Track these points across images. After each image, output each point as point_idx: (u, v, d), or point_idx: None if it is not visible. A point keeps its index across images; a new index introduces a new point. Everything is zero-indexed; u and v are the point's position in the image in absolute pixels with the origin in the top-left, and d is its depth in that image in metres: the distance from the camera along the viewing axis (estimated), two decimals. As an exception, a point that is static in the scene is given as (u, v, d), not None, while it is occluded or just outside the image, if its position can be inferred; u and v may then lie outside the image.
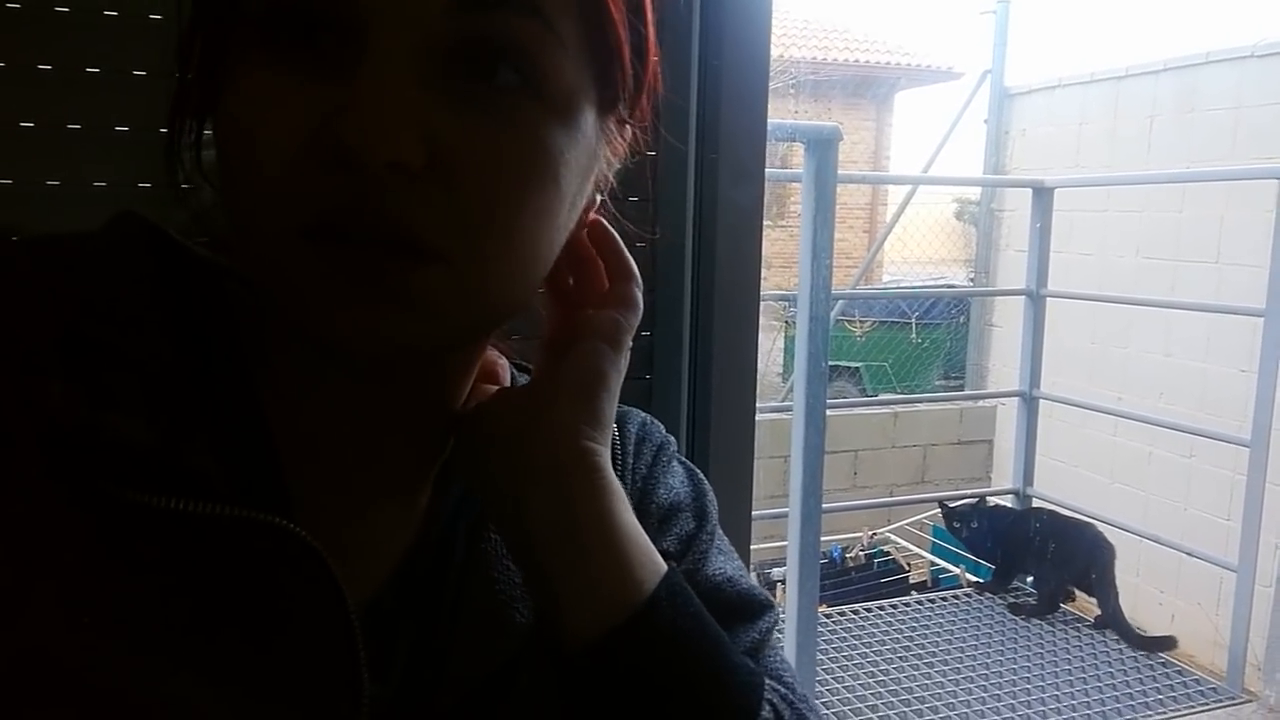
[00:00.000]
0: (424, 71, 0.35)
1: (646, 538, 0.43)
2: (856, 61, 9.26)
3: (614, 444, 0.51)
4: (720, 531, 0.55)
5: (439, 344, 0.40)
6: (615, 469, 0.49)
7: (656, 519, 0.53)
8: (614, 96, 0.42)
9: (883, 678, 2.77)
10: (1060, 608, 3.20)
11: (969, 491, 3.69)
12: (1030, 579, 3.33)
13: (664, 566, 0.42)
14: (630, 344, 0.46)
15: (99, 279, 0.40)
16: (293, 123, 0.35)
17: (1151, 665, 2.91)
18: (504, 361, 0.51)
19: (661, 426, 0.57)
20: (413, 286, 0.36)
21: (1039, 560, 3.25)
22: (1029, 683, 2.77)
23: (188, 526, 0.37)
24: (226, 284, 0.44)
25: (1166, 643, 3.04)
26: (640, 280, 0.48)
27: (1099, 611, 3.15)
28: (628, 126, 0.45)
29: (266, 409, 0.42)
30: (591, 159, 0.42)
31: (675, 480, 0.55)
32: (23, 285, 0.38)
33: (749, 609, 0.52)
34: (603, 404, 0.44)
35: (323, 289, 0.36)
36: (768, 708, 0.43)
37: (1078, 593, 3.24)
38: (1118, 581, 3.15)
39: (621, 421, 0.55)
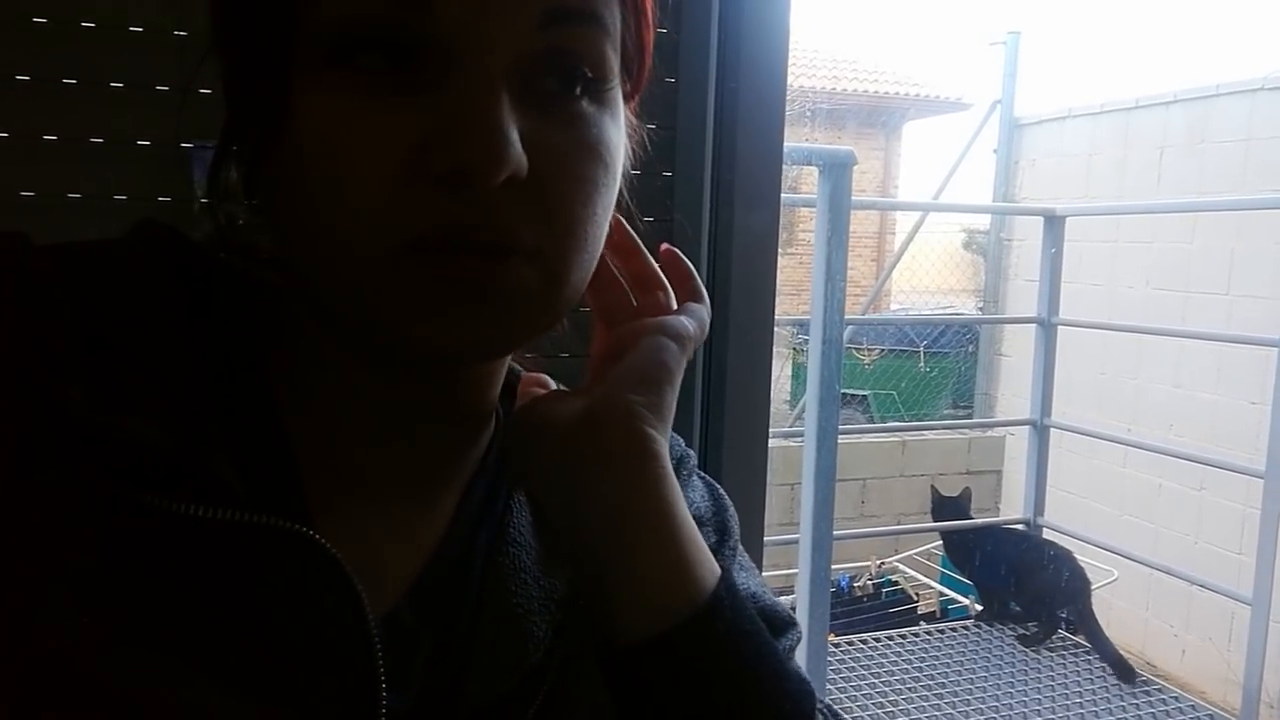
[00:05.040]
0: (513, 85, 0.37)
1: (700, 535, 0.43)
2: (866, 91, 9.32)
3: None
4: (741, 548, 0.54)
5: (526, 339, 0.42)
6: None
7: None
8: (634, 88, 0.45)
9: (892, 709, 2.74)
10: (1058, 633, 3.18)
11: (978, 523, 3.66)
12: (1018, 607, 3.32)
13: (718, 566, 0.42)
14: (691, 355, 0.46)
15: (120, 284, 0.40)
16: (388, 142, 0.36)
17: (1165, 700, 2.87)
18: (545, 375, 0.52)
19: (681, 440, 0.57)
20: (517, 288, 0.38)
21: (1021, 587, 3.24)
22: (1039, 716, 2.73)
23: (206, 532, 0.37)
24: (246, 292, 0.44)
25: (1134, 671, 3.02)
26: (709, 305, 0.50)
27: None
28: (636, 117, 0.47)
29: (285, 417, 0.42)
30: (624, 148, 0.44)
31: (696, 495, 0.54)
32: (45, 289, 0.38)
33: (773, 625, 0.51)
34: (666, 396, 0.44)
35: (431, 300, 0.37)
36: (819, 716, 0.43)
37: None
38: (1128, 613, 3.12)
39: None
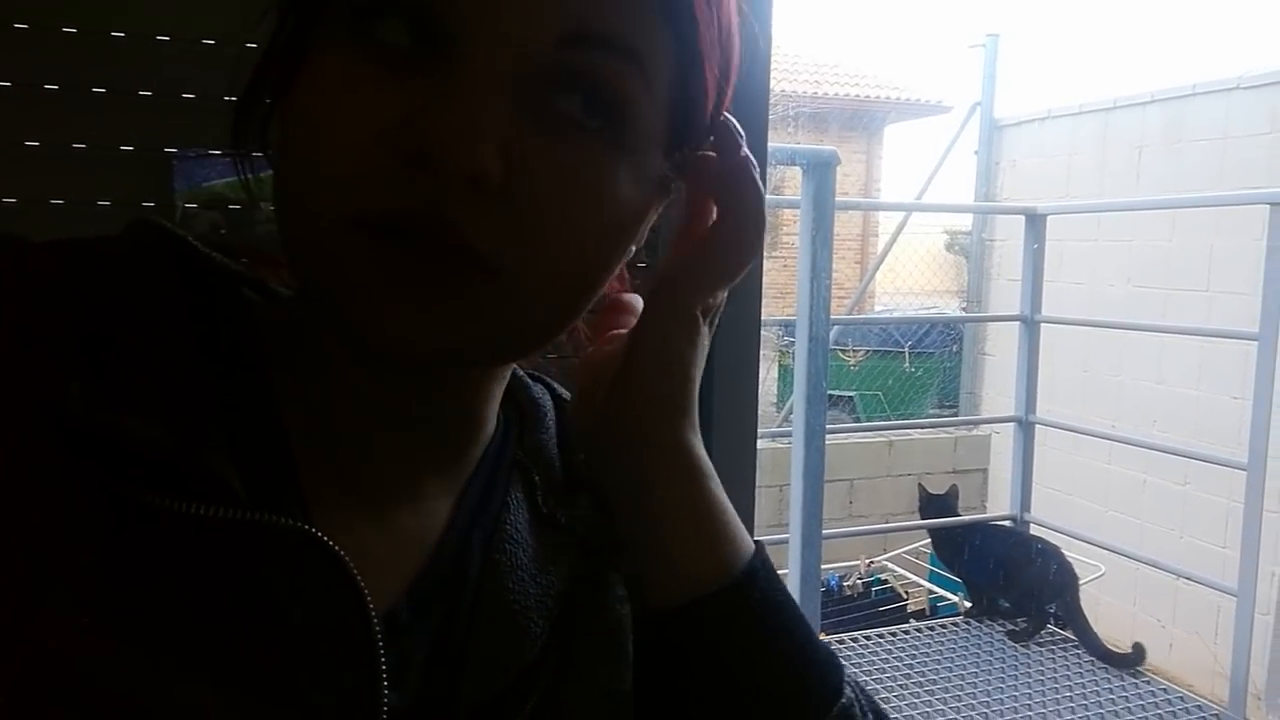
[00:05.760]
0: (516, 93, 0.36)
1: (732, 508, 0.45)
2: (847, 95, 9.37)
3: None
4: None
5: (477, 360, 0.41)
6: None
7: None
8: (682, 146, 0.43)
9: (883, 706, 2.74)
10: (1047, 628, 3.20)
11: (966, 520, 3.68)
12: (1006, 603, 3.34)
13: (751, 540, 0.44)
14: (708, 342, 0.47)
15: (118, 281, 0.40)
16: (372, 112, 0.35)
17: (1154, 693, 2.89)
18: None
19: None
20: (464, 298, 0.36)
21: (1009, 583, 3.26)
22: (1030, 710, 2.75)
23: (207, 531, 0.36)
24: (244, 289, 0.44)
25: (1136, 658, 3.04)
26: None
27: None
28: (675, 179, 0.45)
29: (284, 414, 0.42)
30: (649, 203, 0.42)
31: None
32: (43, 286, 0.38)
33: None
34: (694, 381, 0.45)
35: (374, 287, 0.36)
36: (847, 687, 0.44)
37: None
38: (1115, 608, 3.14)
39: None
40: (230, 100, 0.43)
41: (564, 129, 0.37)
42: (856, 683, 0.46)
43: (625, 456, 0.44)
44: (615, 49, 0.37)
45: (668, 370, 0.44)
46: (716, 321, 0.47)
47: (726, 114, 0.45)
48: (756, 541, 0.44)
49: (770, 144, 1.28)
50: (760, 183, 0.45)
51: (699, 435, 0.45)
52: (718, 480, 0.44)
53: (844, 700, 0.43)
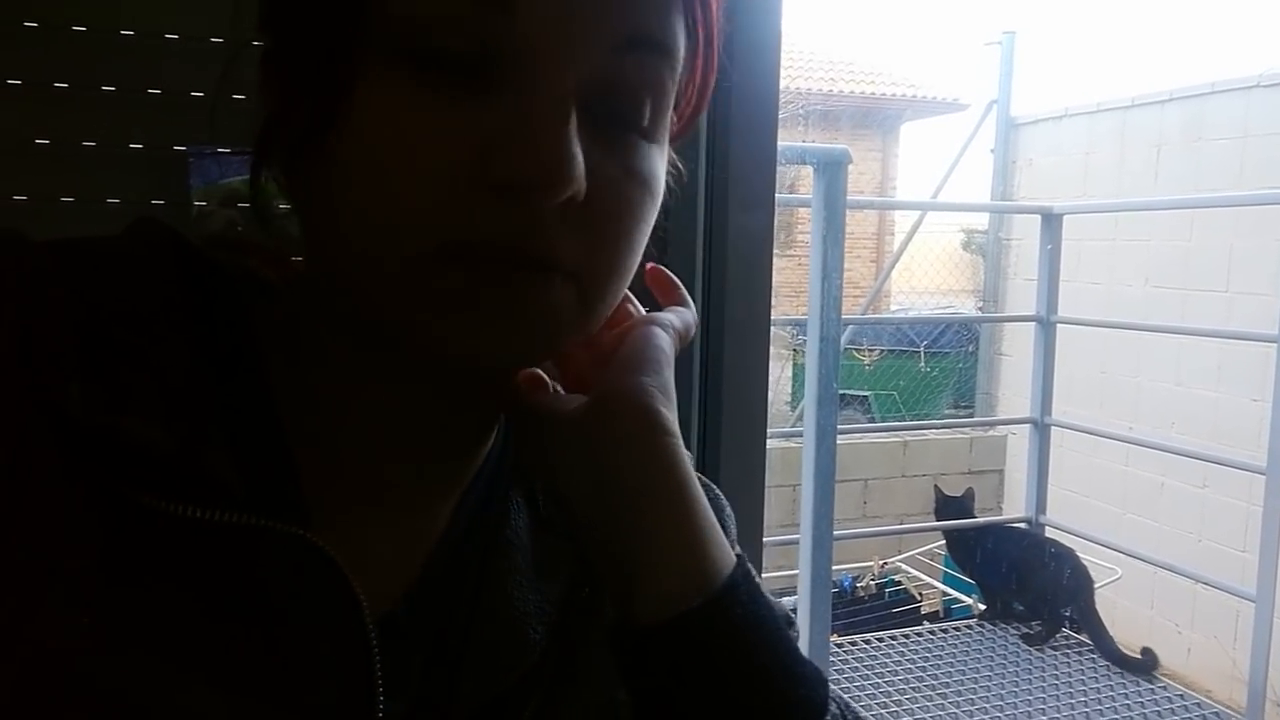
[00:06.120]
0: (580, 105, 0.37)
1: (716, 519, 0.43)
2: (862, 93, 9.33)
3: None
4: (739, 548, 0.54)
5: (551, 354, 0.43)
6: None
7: None
8: (682, 126, 0.44)
9: (896, 708, 2.73)
10: (1062, 631, 3.17)
11: (981, 522, 3.66)
12: (1020, 606, 3.32)
13: (733, 551, 0.42)
14: (680, 346, 0.47)
15: (120, 282, 0.40)
16: (446, 144, 0.35)
17: (1170, 698, 2.87)
18: None
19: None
20: (553, 308, 0.38)
21: (1023, 585, 3.24)
22: (1044, 715, 2.73)
23: (205, 534, 0.36)
24: (246, 292, 0.44)
25: (1148, 663, 3.01)
26: (694, 309, 0.50)
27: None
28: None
29: (286, 416, 0.42)
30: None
31: None
32: (44, 286, 0.38)
33: None
34: (666, 376, 0.44)
35: (468, 306, 0.37)
36: (833, 704, 0.42)
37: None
38: (1132, 611, 3.11)
39: None
40: (239, 98, 0.42)
41: (617, 133, 0.38)
42: (841, 698, 0.45)
43: (617, 461, 0.42)
44: (656, 49, 0.38)
45: (655, 360, 0.44)
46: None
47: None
48: (738, 555, 0.42)
49: (781, 142, 1.28)
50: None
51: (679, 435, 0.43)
52: (698, 485, 0.43)
53: (829, 717, 0.41)
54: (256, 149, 0.41)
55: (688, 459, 0.43)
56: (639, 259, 0.42)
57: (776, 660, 0.40)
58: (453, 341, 0.37)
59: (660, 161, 0.41)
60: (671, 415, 0.43)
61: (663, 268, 0.51)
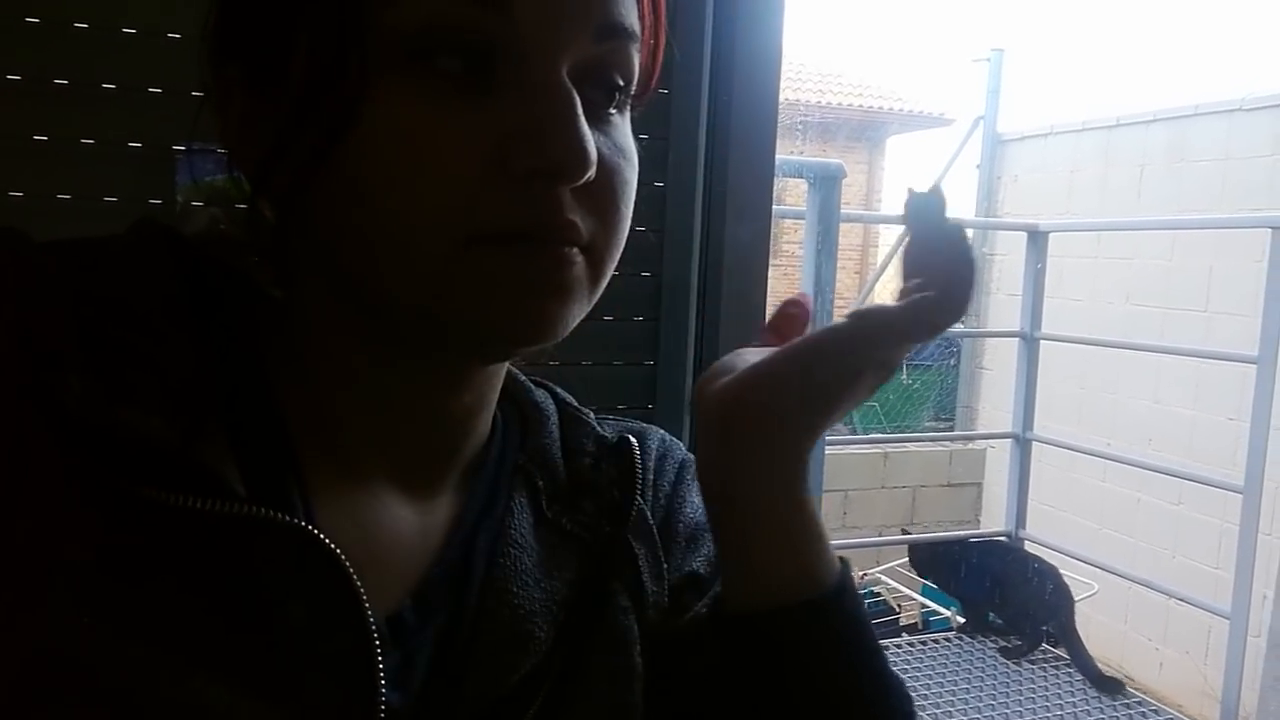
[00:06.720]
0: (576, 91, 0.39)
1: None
2: (851, 105, 9.39)
3: (635, 460, 0.52)
4: None
5: (571, 326, 0.43)
6: (636, 486, 0.48)
7: (684, 538, 0.53)
8: (640, 99, 0.47)
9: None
10: (1042, 646, 3.19)
11: (958, 534, 3.68)
12: (998, 619, 3.34)
13: (837, 563, 0.44)
14: (902, 344, 0.43)
15: (120, 279, 0.40)
16: (471, 141, 0.38)
17: (1145, 714, 2.89)
18: None
19: (682, 445, 0.57)
20: (575, 276, 0.41)
21: (1005, 600, 3.26)
22: (1020, 728, 2.74)
23: (206, 526, 0.36)
24: (245, 289, 0.44)
25: (1115, 685, 3.04)
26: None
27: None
28: None
29: (287, 411, 0.42)
30: None
31: (697, 502, 0.54)
32: (45, 283, 0.38)
33: None
34: (823, 382, 0.43)
35: (504, 288, 0.39)
36: None
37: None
38: (1106, 627, 3.13)
39: (642, 438, 0.55)
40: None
41: (600, 111, 0.41)
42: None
43: (744, 443, 0.42)
44: (625, 34, 0.41)
45: (835, 393, 0.42)
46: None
47: (940, 187, 0.45)
48: (841, 559, 0.44)
49: (778, 155, 1.28)
50: (971, 255, 0.44)
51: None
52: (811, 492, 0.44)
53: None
54: (254, 183, 0.42)
55: (805, 473, 0.44)
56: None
57: (874, 667, 0.43)
58: (498, 322, 0.39)
59: (630, 133, 0.44)
60: (803, 425, 0.42)
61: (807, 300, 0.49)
